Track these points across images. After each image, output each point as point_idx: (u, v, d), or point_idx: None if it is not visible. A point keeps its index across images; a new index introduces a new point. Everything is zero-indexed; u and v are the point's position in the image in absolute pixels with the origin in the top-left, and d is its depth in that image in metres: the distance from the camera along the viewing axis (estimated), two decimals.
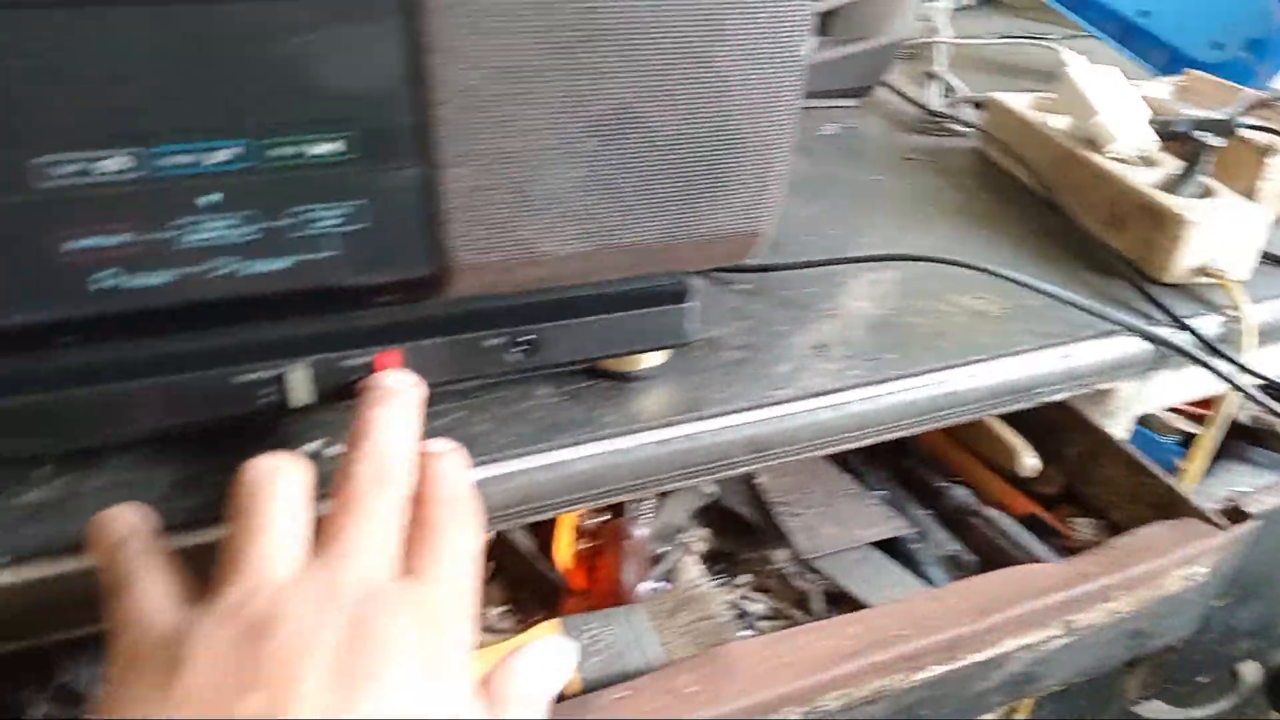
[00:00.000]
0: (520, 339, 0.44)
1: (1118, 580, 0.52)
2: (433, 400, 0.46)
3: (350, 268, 0.38)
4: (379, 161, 0.36)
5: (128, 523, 0.35)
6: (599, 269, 0.43)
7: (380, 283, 0.39)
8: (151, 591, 0.32)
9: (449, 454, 0.38)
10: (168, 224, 0.34)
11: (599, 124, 0.39)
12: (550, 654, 0.37)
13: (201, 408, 0.39)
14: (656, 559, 0.57)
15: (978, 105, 0.92)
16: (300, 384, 0.40)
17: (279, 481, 0.35)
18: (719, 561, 0.59)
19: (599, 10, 0.36)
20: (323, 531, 0.34)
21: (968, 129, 0.88)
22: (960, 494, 0.63)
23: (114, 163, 0.33)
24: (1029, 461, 0.63)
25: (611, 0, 0.36)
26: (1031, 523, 0.62)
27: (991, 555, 0.59)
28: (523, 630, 0.51)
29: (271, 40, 0.33)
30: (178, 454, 0.42)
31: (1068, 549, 0.60)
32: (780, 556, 0.57)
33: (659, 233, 0.42)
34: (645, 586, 0.53)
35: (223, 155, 0.34)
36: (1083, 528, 0.63)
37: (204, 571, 0.36)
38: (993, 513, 0.61)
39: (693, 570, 0.56)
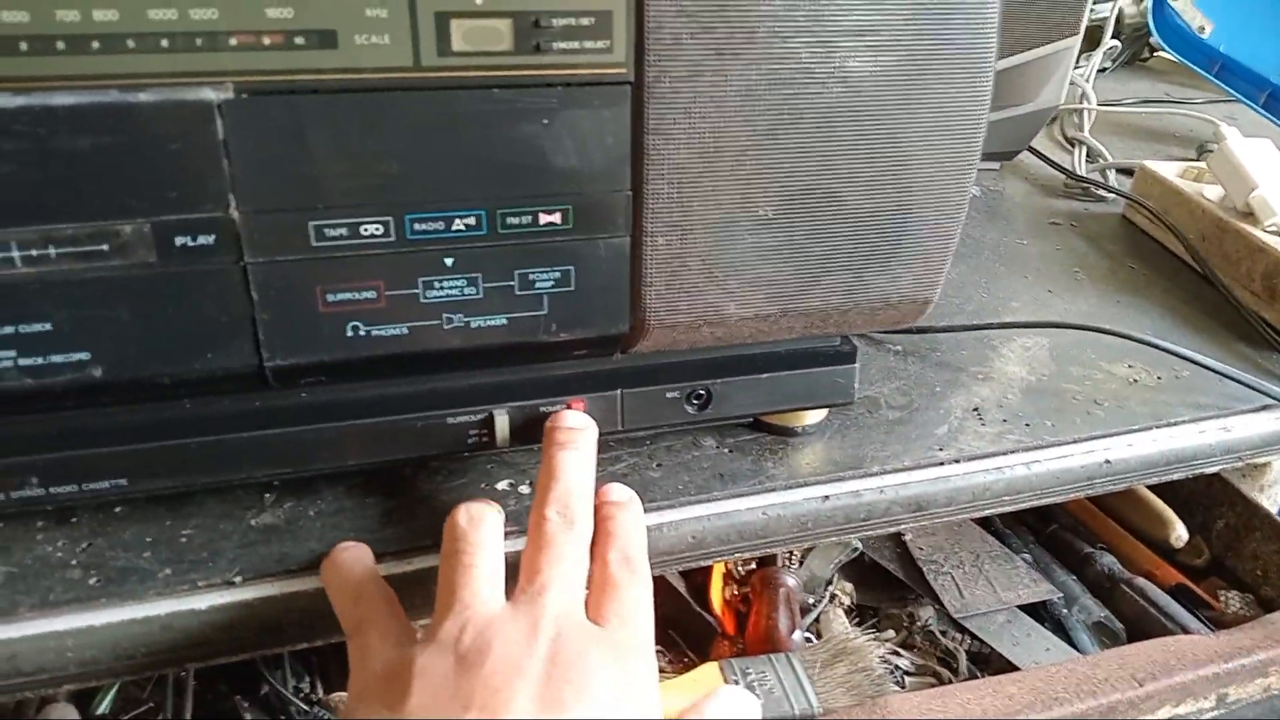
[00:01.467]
0: (697, 393, 0.47)
1: (1276, 656, 0.52)
2: (608, 446, 0.49)
3: (556, 325, 0.42)
4: (592, 231, 0.40)
5: (364, 569, 0.39)
6: (776, 330, 0.46)
7: (580, 339, 0.42)
8: (384, 630, 0.36)
9: (628, 506, 0.41)
10: (413, 282, 0.38)
11: (792, 198, 0.42)
12: (738, 703, 0.39)
13: (420, 444, 0.43)
14: (804, 609, 0.58)
15: (1123, 171, 0.93)
16: (503, 426, 0.44)
17: (483, 527, 0.39)
18: (863, 615, 0.61)
19: (799, 96, 0.39)
20: (522, 569, 0.38)
21: (1112, 195, 0.88)
22: (1107, 561, 0.63)
23: (374, 227, 0.37)
24: (1180, 533, 0.63)
25: (810, 88, 0.39)
26: (1179, 593, 0.62)
27: (1141, 624, 0.59)
28: (679, 671, 0.53)
29: (517, 123, 0.37)
30: (383, 486, 0.46)
31: (1216, 622, 0.60)
32: (927, 614, 0.58)
33: (839, 298, 0.45)
34: (797, 635, 0.55)
35: (464, 223, 0.38)
36: (1231, 601, 0.62)
37: (414, 598, 0.40)
38: (1141, 582, 0.61)
39: (839, 623, 0.57)
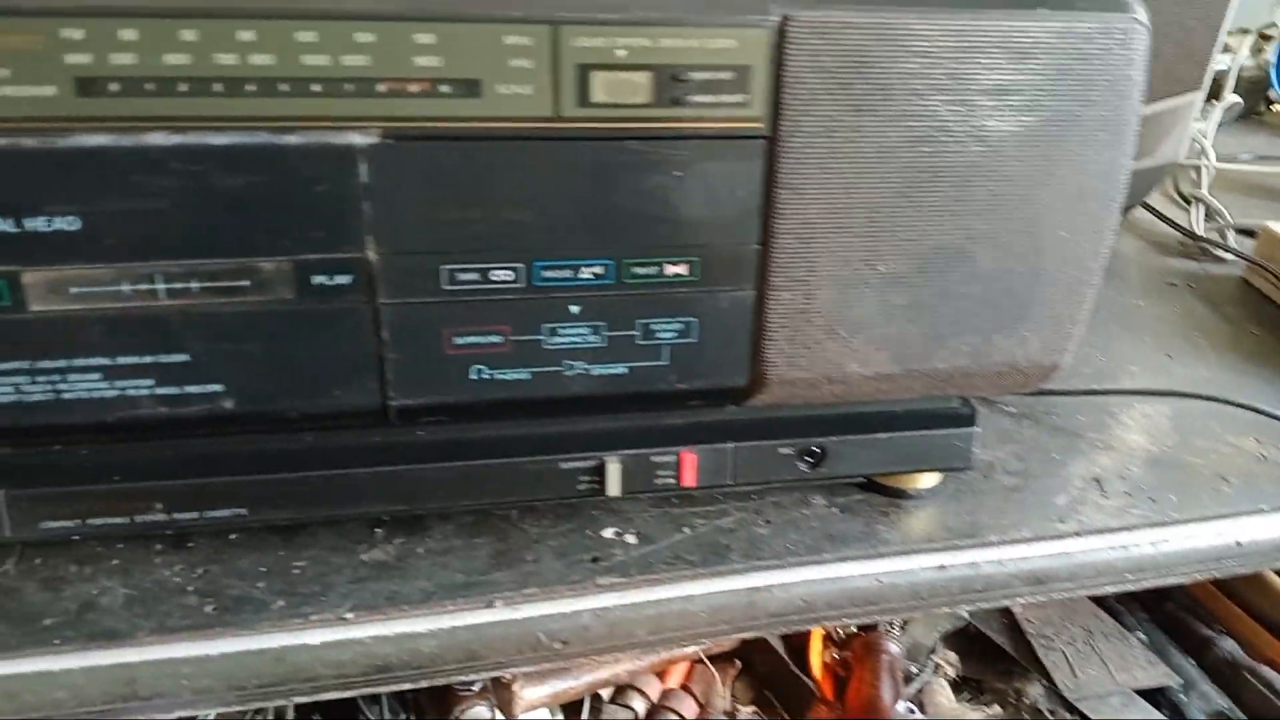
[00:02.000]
0: (810, 450, 0.46)
1: None
2: (715, 499, 0.49)
3: (675, 375, 0.41)
4: (717, 283, 0.39)
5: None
6: (896, 390, 0.45)
7: (698, 390, 0.42)
8: None
9: None
10: (537, 328, 0.38)
11: (923, 256, 0.41)
12: None
13: (531, 488, 0.43)
14: (907, 677, 0.56)
15: (1243, 232, 0.89)
16: (615, 474, 0.43)
17: None
18: (967, 688, 0.59)
19: (935, 155, 0.39)
20: None
21: (1232, 256, 0.85)
22: (1229, 646, 0.60)
23: (504, 273, 0.37)
24: None
25: (948, 146, 0.39)
26: None
27: (1265, 716, 0.56)
28: None
29: (650, 174, 0.36)
30: (491, 527, 0.46)
31: None
32: (1035, 691, 0.56)
33: (965, 360, 0.43)
34: (901, 706, 0.53)
35: (591, 272, 0.38)
36: None
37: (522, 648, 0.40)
38: (1267, 671, 0.58)
39: (943, 695, 0.55)
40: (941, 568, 0.47)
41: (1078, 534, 0.49)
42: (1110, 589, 0.51)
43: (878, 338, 0.42)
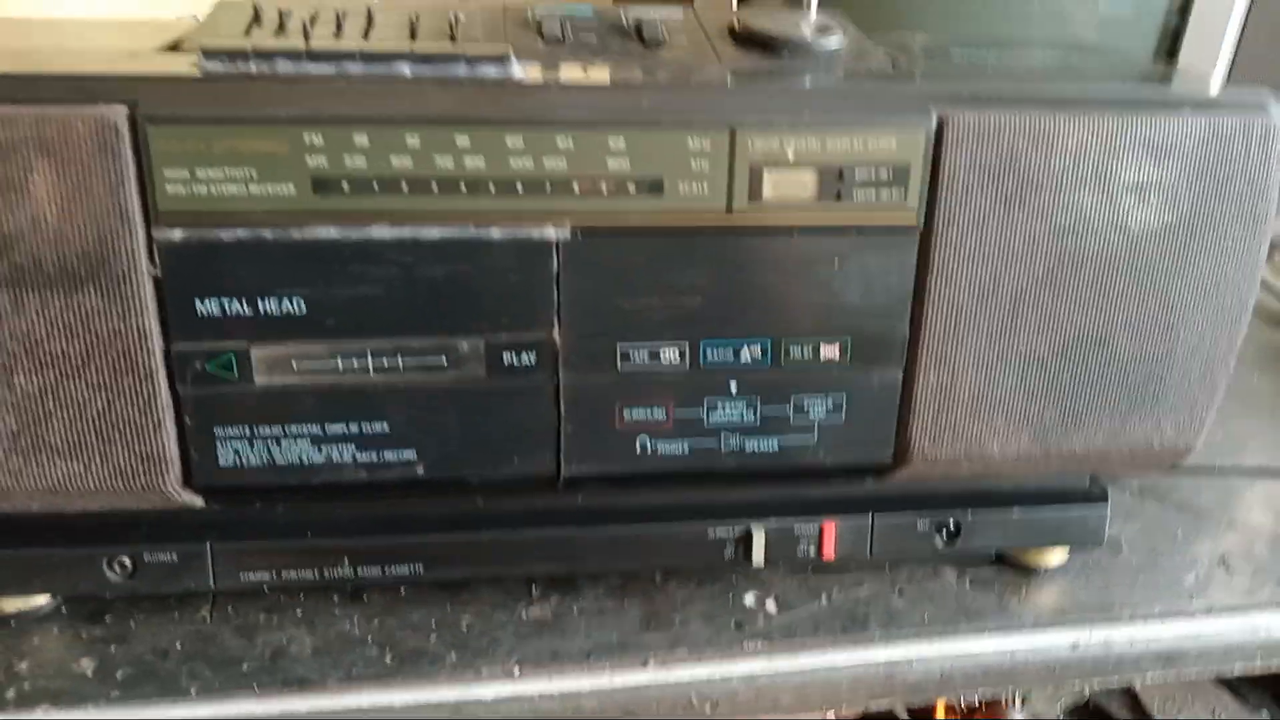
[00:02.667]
0: (946, 525, 0.48)
1: None
2: (850, 567, 0.50)
3: (823, 451, 0.43)
4: (867, 364, 0.42)
5: None
6: (1033, 469, 0.46)
7: (843, 465, 0.44)
8: None
9: None
10: (699, 404, 0.41)
11: (1064, 341, 0.42)
12: None
13: (681, 554, 0.46)
14: None
15: None
16: (760, 544, 0.46)
17: None
18: None
19: (1079, 245, 0.41)
20: None
21: None
22: None
23: (672, 352, 0.40)
24: None
25: (1091, 238, 0.41)
26: None
27: None
28: None
29: (811, 263, 0.39)
30: (639, 589, 0.48)
31: None
32: None
33: (1102, 441, 0.45)
34: None
35: (750, 353, 0.41)
36: None
37: (675, 709, 0.42)
38: None
39: None
40: (1075, 645, 0.48)
41: (1209, 613, 0.50)
42: (1240, 670, 0.51)
43: (1018, 418, 0.44)
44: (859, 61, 0.42)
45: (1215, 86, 0.43)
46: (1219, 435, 0.67)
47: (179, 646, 0.43)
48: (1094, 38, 0.79)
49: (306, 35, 0.39)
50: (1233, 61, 0.77)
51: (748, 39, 0.43)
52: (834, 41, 0.43)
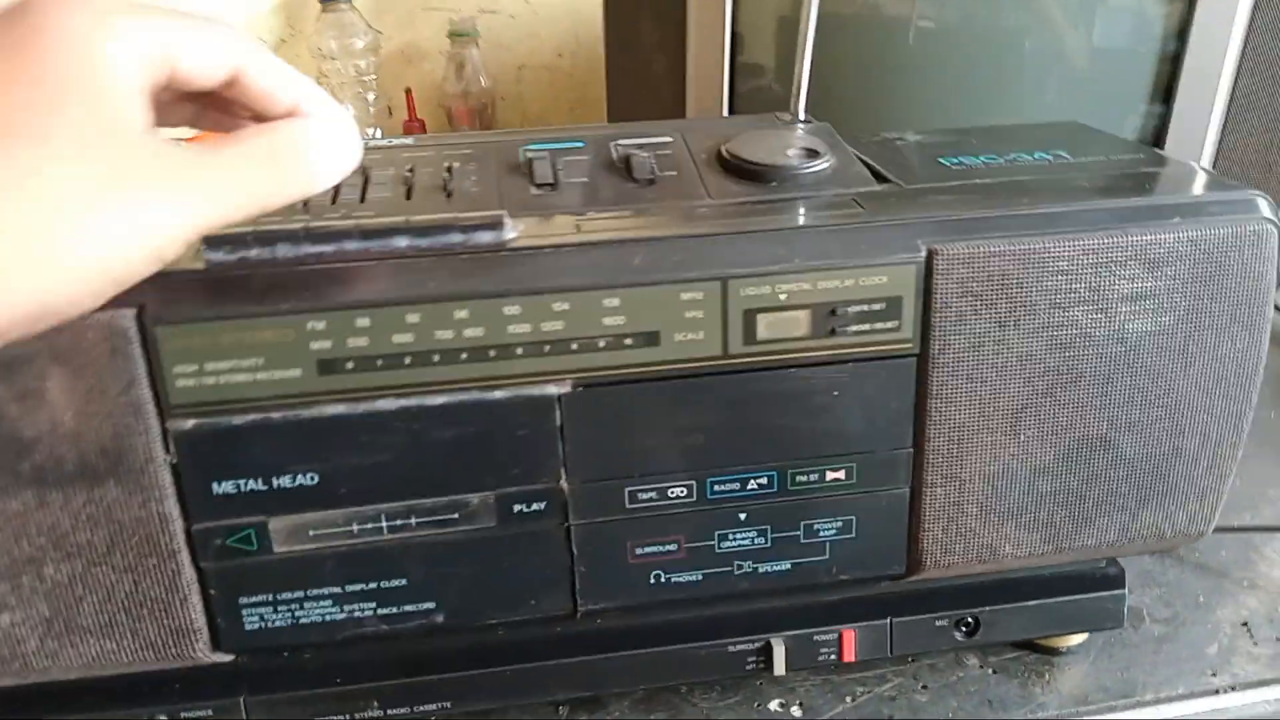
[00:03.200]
0: (965, 620, 0.48)
1: None
2: (873, 665, 0.51)
3: (836, 568, 0.44)
4: (874, 484, 0.42)
5: None
6: (1046, 562, 0.46)
7: (855, 579, 0.45)
8: None
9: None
10: (710, 535, 0.42)
11: (1069, 448, 0.43)
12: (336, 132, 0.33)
13: (702, 669, 0.46)
14: None
15: None
16: (780, 655, 0.46)
17: None
18: None
19: (1077, 358, 0.41)
20: None
21: None
22: None
23: (680, 489, 0.41)
24: None
25: (1088, 349, 0.41)
26: None
27: None
28: None
29: (810, 396, 0.40)
30: (663, 702, 0.49)
31: None
32: None
33: (1113, 536, 0.45)
34: None
35: (757, 483, 0.41)
36: None
37: None
38: None
39: None
40: None
41: (1232, 688, 0.50)
42: None
43: (1028, 522, 0.44)
44: (845, 185, 0.43)
45: (1200, 184, 0.43)
46: (1238, 482, 0.67)
47: None
48: (1088, 70, 0.79)
49: (305, 204, 0.40)
50: (1232, 91, 0.77)
51: (735, 169, 0.43)
52: (819, 165, 0.43)
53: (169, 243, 0.28)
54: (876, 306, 0.39)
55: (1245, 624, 0.54)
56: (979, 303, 0.39)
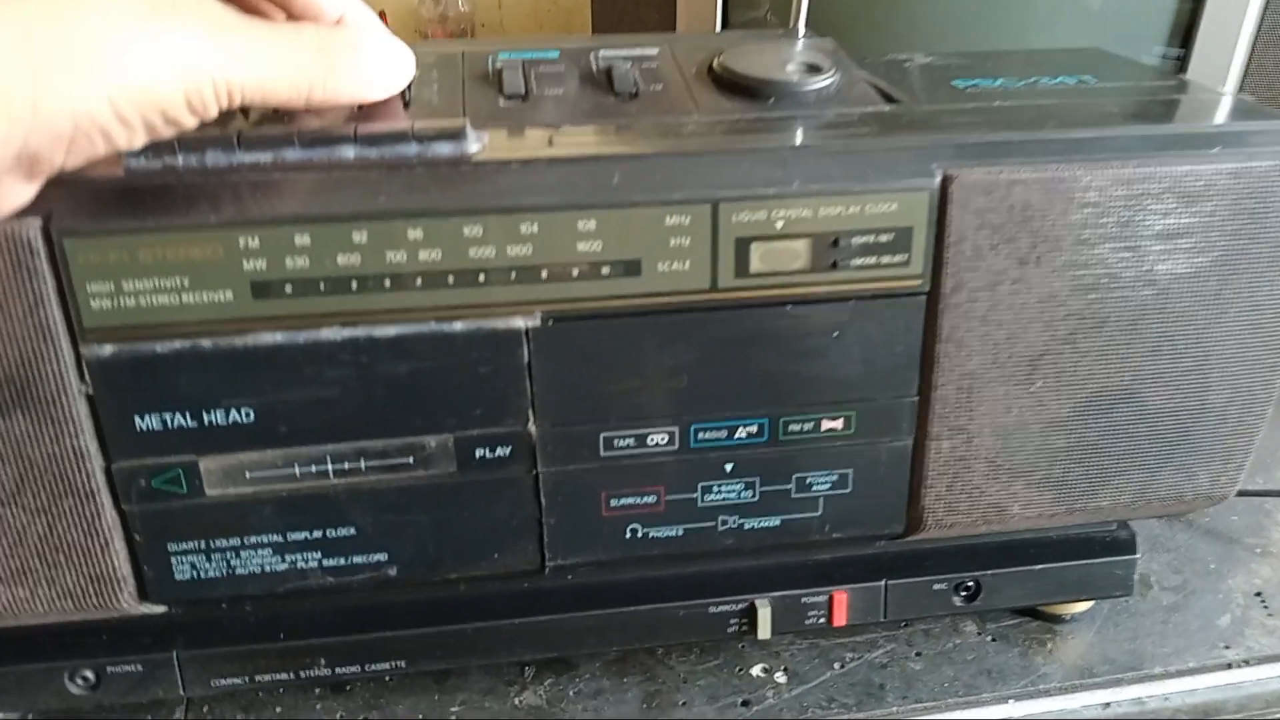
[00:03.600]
0: (965, 584, 0.45)
1: None
2: (865, 630, 0.47)
3: (829, 525, 0.40)
4: (874, 435, 0.39)
5: None
6: (1056, 523, 0.43)
7: (850, 538, 0.41)
8: None
9: None
10: (692, 487, 0.38)
11: (1088, 399, 0.39)
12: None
13: (680, 631, 0.43)
14: None
15: None
16: (765, 618, 0.43)
17: None
18: None
19: (1103, 301, 0.37)
20: None
21: None
22: None
23: (660, 437, 0.37)
24: None
25: (1116, 292, 0.37)
26: None
27: None
28: None
29: (806, 336, 0.36)
30: (638, 664, 0.46)
31: None
32: None
33: (1130, 497, 0.42)
34: None
35: (746, 431, 0.37)
36: None
37: None
38: None
39: None
40: (1106, 705, 0.45)
41: (1245, 662, 0.47)
42: None
43: (1039, 480, 0.40)
44: (850, 105, 0.38)
45: (1242, 113, 0.39)
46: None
47: None
48: (1100, 9, 0.74)
49: (245, 112, 0.36)
50: (1256, 33, 0.72)
51: (728, 83, 0.39)
52: (822, 82, 0.39)
53: (200, 86, 0.28)
54: (884, 238, 0.35)
55: (1259, 594, 0.51)
56: (998, 236, 0.35)
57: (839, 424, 0.38)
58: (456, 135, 0.33)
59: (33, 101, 0.25)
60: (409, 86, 0.37)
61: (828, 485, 0.39)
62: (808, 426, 0.38)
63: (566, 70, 0.40)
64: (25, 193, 0.29)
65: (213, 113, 0.29)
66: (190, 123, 0.29)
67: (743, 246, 0.34)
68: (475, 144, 0.33)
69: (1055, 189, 0.35)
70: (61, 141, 0.26)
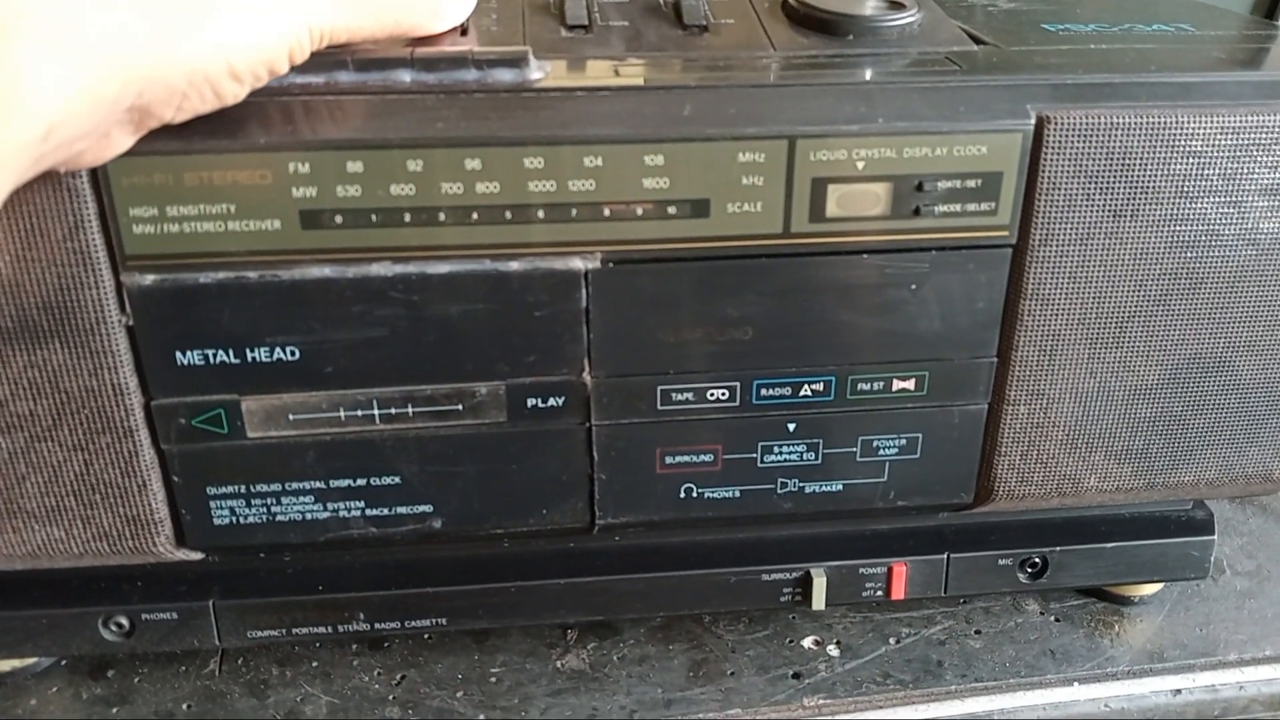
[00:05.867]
0: (1031, 560, 0.42)
1: None
2: (922, 605, 0.45)
3: (894, 492, 0.38)
4: (947, 397, 0.36)
5: None
6: (1131, 499, 0.41)
7: (915, 506, 0.39)
8: None
9: None
10: (751, 447, 0.36)
11: (1178, 368, 0.37)
12: None
13: (730, 598, 0.41)
14: None
15: None
16: (820, 588, 0.41)
17: None
18: None
19: (1200, 260, 0.35)
20: None
21: None
22: None
23: (720, 392, 0.35)
24: None
25: (1214, 251, 0.35)
26: None
27: None
28: None
29: (882, 288, 0.34)
30: (684, 631, 0.44)
31: None
32: None
33: (1214, 473, 0.39)
34: None
35: (811, 389, 0.35)
36: None
37: None
38: None
39: None
40: (1177, 692, 0.42)
41: None
42: None
43: (1119, 451, 0.38)
44: (935, 44, 0.36)
45: None
46: None
47: (186, 708, 0.39)
48: None
49: None
50: None
51: (805, 18, 0.37)
52: (906, 18, 0.36)
53: (299, 35, 0.28)
54: (970, 184, 0.32)
55: None
56: (1093, 185, 0.33)
57: (910, 384, 0.36)
58: (518, 61, 0.31)
59: (150, 58, 0.25)
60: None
61: (895, 450, 0.37)
62: (877, 386, 0.36)
63: (632, 2, 0.38)
64: (127, 144, 0.28)
65: (305, 59, 0.29)
66: (285, 69, 0.28)
67: (819, 188, 0.32)
68: (537, 71, 0.31)
69: (1158, 135, 0.32)
70: (175, 96, 0.26)
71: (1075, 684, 0.42)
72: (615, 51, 0.35)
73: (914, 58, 0.35)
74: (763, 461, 0.37)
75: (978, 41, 0.37)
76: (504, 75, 0.31)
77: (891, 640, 0.44)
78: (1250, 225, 0.34)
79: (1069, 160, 0.32)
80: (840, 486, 0.38)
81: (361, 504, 0.35)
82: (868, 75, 0.33)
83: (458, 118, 0.30)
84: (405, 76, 0.31)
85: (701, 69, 0.33)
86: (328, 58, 0.30)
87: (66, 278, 0.30)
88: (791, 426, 0.36)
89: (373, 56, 0.31)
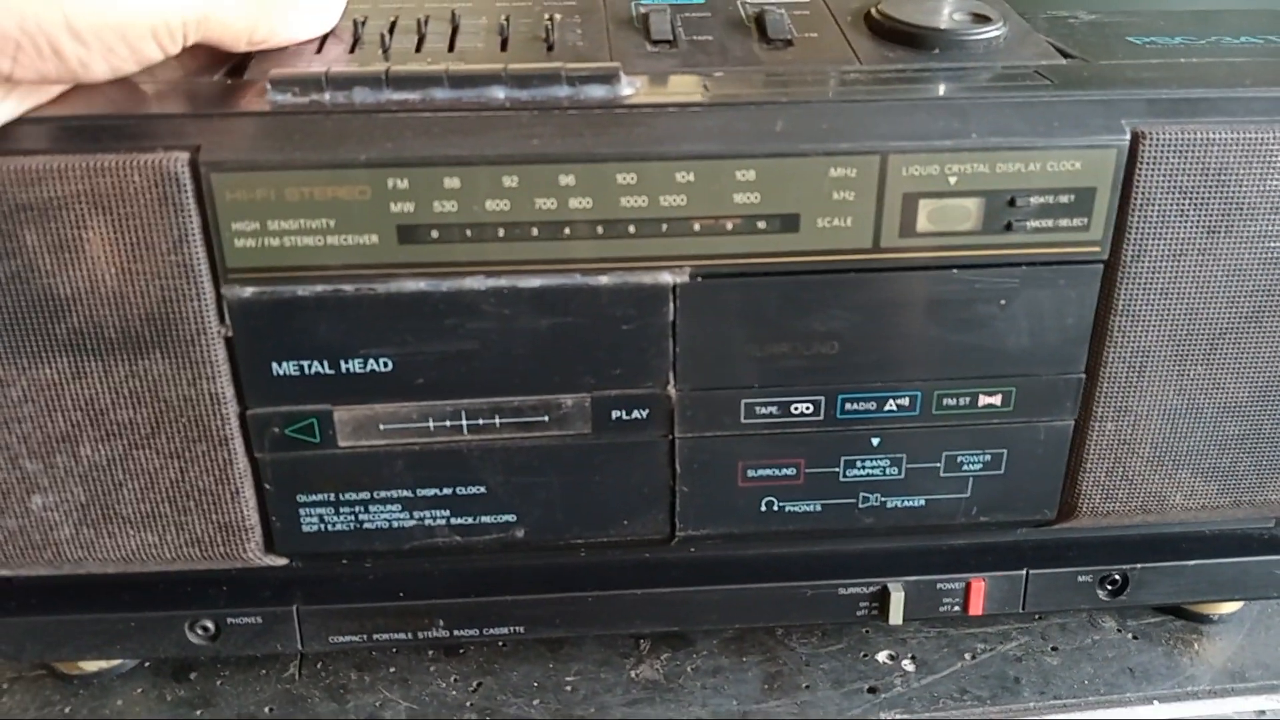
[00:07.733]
0: (1112, 578, 0.42)
1: None
2: (998, 621, 0.45)
3: (977, 508, 0.38)
4: (1033, 413, 0.36)
5: None
6: (1216, 517, 0.40)
7: (998, 523, 0.39)
8: None
9: None
10: (834, 461, 0.36)
11: (1269, 385, 0.36)
12: None
13: (806, 612, 0.41)
14: None
15: None
16: (898, 603, 0.41)
17: None
18: None
19: None
20: None
21: None
22: None
23: (805, 406, 0.35)
24: None
25: None
26: None
27: None
28: None
29: (971, 303, 0.33)
30: (757, 643, 0.44)
31: None
32: None
33: None
34: None
35: (897, 404, 0.35)
36: None
37: None
38: None
39: None
40: (1261, 712, 0.42)
41: None
42: None
43: (1207, 469, 0.38)
44: (1022, 57, 0.36)
45: None
46: None
47: (268, 711, 0.40)
48: None
49: (385, 50, 0.34)
50: None
51: (890, 31, 0.37)
52: (992, 32, 0.36)
53: (169, 21, 0.28)
54: (1064, 199, 0.32)
55: None
56: (1188, 202, 0.32)
57: (997, 400, 0.36)
58: (609, 77, 0.31)
59: None
60: (552, 28, 0.35)
61: (979, 465, 0.37)
62: (963, 401, 0.36)
63: (714, 17, 0.38)
64: None
65: (177, 49, 0.29)
66: (153, 54, 0.28)
67: (910, 203, 0.32)
68: (628, 87, 0.32)
69: (1255, 151, 0.32)
70: (8, 44, 0.26)
71: (1155, 702, 0.41)
72: (702, 66, 0.35)
73: (1001, 71, 0.35)
74: (845, 476, 0.37)
75: (1064, 55, 0.37)
76: (596, 91, 0.31)
77: (967, 656, 0.43)
78: None
79: (1164, 176, 0.32)
80: (923, 502, 0.38)
81: (447, 513, 0.36)
82: (959, 90, 0.33)
83: (552, 134, 0.30)
84: (499, 93, 0.31)
85: (789, 84, 0.33)
86: (423, 74, 0.31)
87: (170, 290, 0.31)
88: (875, 441, 0.36)
89: (467, 73, 0.31)
